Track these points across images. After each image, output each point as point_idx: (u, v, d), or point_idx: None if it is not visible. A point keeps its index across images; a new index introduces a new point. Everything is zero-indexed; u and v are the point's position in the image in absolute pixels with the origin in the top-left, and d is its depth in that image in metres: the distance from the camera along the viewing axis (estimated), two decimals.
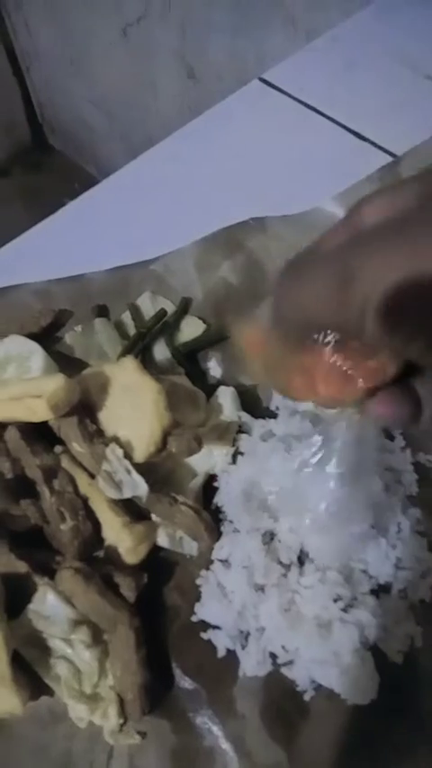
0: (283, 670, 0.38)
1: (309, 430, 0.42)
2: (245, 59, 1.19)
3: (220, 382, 0.50)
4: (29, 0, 1.62)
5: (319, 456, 0.40)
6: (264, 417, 0.45)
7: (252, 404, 0.48)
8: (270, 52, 1.13)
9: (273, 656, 0.38)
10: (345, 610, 0.38)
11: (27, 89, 1.87)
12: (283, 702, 0.38)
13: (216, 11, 1.17)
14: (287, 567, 0.39)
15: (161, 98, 1.47)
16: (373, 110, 0.68)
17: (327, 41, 0.76)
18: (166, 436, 0.41)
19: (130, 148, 1.66)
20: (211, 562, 0.41)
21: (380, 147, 0.65)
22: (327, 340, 0.29)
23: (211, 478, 0.45)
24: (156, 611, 0.41)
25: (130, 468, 0.40)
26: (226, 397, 0.47)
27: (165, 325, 0.52)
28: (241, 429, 0.46)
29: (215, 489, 0.44)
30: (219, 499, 0.43)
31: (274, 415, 0.46)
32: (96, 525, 0.41)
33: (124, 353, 0.49)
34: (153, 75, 1.43)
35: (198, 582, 0.40)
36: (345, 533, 0.38)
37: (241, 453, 0.44)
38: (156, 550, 0.42)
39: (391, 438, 0.44)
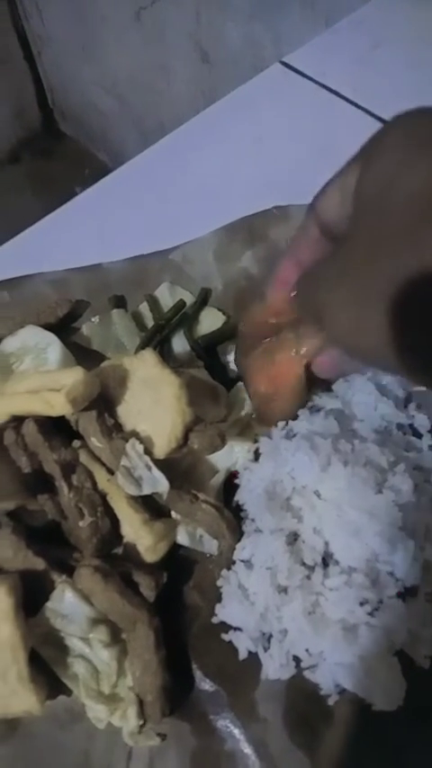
0: (306, 673, 0.37)
1: (334, 427, 0.41)
2: (261, 43, 1.17)
3: (241, 376, 0.48)
4: None
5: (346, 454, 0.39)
6: None
7: None
8: (287, 36, 1.11)
9: (296, 659, 0.37)
10: (371, 614, 0.36)
11: (38, 74, 1.85)
12: (307, 707, 0.37)
13: None
14: (311, 568, 0.38)
15: (174, 83, 1.44)
16: (398, 94, 0.65)
17: (350, 24, 0.74)
18: (187, 432, 0.40)
19: (142, 135, 1.64)
20: (233, 562, 0.39)
21: None
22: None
23: (231, 476, 0.44)
24: (175, 610, 0.40)
25: (151, 464, 0.39)
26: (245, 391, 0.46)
27: (183, 317, 0.51)
28: None
29: (236, 487, 0.43)
30: (240, 497, 0.42)
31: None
32: (115, 522, 0.40)
33: (142, 346, 0.48)
34: (166, 59, 1.41)
35: (219, 583, 0.39)
36: (373, 535, 0.37)
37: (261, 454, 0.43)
38: (175, 549, 0.41)
39: (419, 436, 0.43)
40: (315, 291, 0.29)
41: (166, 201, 0.59)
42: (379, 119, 0.64)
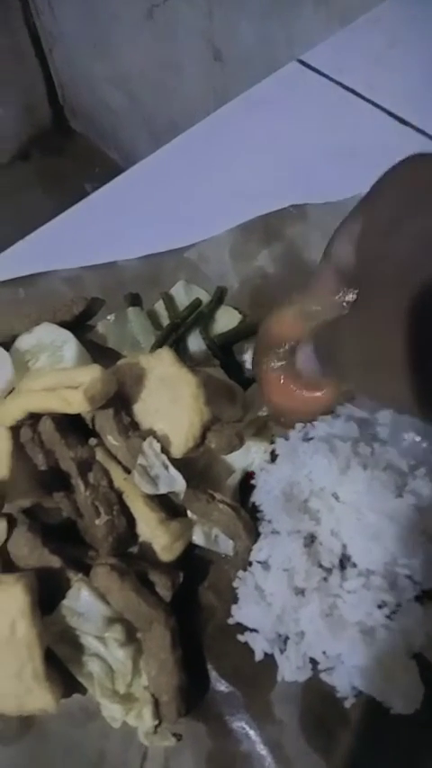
0: (323, 676, 0.37)
1: (354, 431, 0.40)
2: (275, 42, 1.16)
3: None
4: None
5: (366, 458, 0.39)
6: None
7: None
8: (301, 35, 1.10)
9: (313, 661, 0.37)
10: (389, 617, 0.36)
11: (49, 71, 1.85)
12: (323, 709, 0.37)
13: None
14: (328, 570, 0.38)
15: (186, 81, 1.44)
16: (416, 93, 0.65)
17: (367, 22, 0.73)
18: (205, 431, 0.39)
19: (153, 133, 1.63)
20: (249, 563, 0.39)
21: (423, 133, 0.62)
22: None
23: (247, 476, 0.43)
24: (190, 610, 0.40)
25: (168, 462, 0.39)
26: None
27: (199, 316, 0.50)
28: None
29: (251, 487, 0.43)
30: (256, 498, 0.42)
31: None
32: (131, 521, 0.40)
33: (158, 344, 0.48)
34: (178, 57, 1.40)
35: (235, 584, 0.39)
36: (392, 538, 0.36)
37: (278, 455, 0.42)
38: (190, 548, 0.40)
39: None
40: (334, 351, 0.30)
41: (180, 200, 0.59)
42: (397, 117, 0.64)
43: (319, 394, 0.38)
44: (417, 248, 0.24)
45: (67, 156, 1.90)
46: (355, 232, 0.29)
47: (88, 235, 0.57)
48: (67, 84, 1.87)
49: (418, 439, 0.39)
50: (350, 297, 0.32)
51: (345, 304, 0.33)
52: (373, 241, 0.27)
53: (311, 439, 0.42)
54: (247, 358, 0.49)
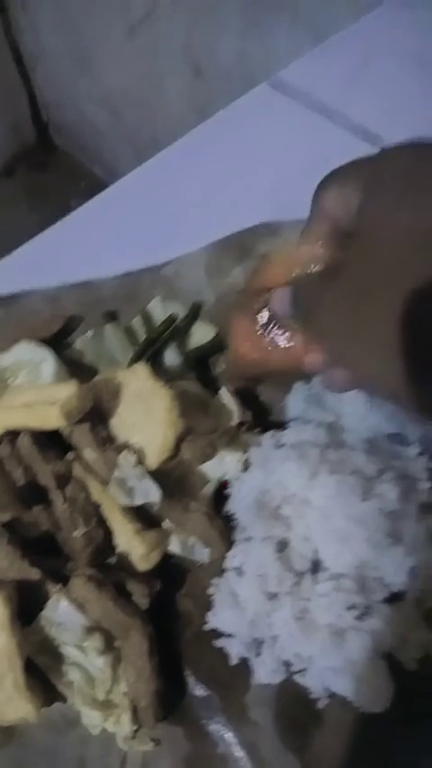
0: (297, 678, 0.38)
1: (322, 437, 0.42)
2: (253, 58, 1.19)
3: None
4: (35, 1, 1.62)
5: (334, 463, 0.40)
6: (272, 428, 0.45)
7: (254, 408, 0.48)
8: (278, 51, 1.13)
9: (286, 663, 0.38)
10: (359, 618, 0.37)
11: (32, 89, 1.87)
12: (297, 710, 0.38)
13: (223, 10, 1.16)
14: (301, 574, 0.39)
15: (168, 97, 1.46)
16: (386, 111, 0.68)
17: (337, 42, 0.76)
18: (179, 443, 0.41)
19: (136, 148, 1.66)
20: (224, 570, 0.40)
21: None
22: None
23: (222, 485, 0.45)
24: (168, 617, 0.41)
25: (143, 474, 0.40)
26: (230, 400, 0.46)
27: (175, 331, 0.52)
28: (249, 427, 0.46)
29: (227, 496, 0.44)
30: (230, 506, 0.43)
31: (281, 426, 0.46)
32: (108, 532, 0.41)
33: (135, 359, 0.49)
34: (160, 74, 1.43)
35: (210, 591, 0.40)
36: (360, 541, 0.38)
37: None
38: (167, 557, 0.42)
39: (408, 444, 0.44)
40: (313, 307, 0.30)
41: (158, 218, 0.61)
42: (367, 135, 0.66)
43: (286, 345, 0.38)
44: (424, 228, 0.24)
45: (52, 172, 1.92)
46: (347, 197, 0.29)
47: (70, 252, 0.59)
48: (51, 102, 1.89)
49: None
50: (340, 254, 0.32)
51: (333, 258, 0.32)
52: (379, 209, 0.27)
53: (283, 446, 0.43)
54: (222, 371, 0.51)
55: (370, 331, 0.25)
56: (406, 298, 0.24)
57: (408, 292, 0.24)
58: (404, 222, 0.25)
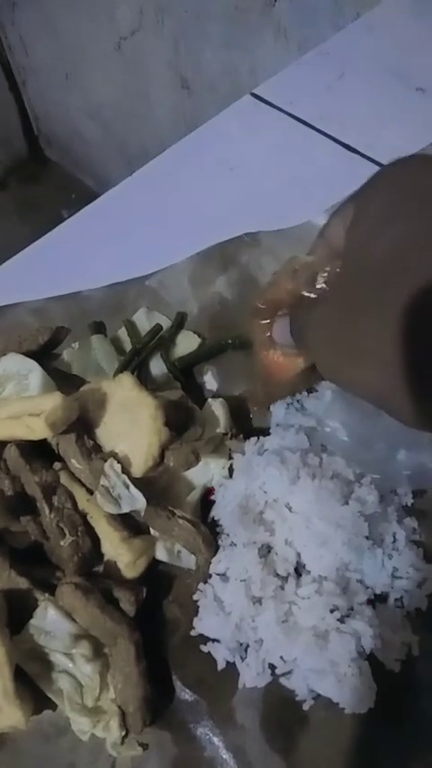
0: (282, 680, 0.39)
1: (304, 443, 0.43)
2: (238, 70, 1.21)
3: (216, 396, 0.50)
4: (24, 16, 1.64)
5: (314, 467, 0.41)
6: (256, 435, 0.46)
7: (242, 417, 0.49)
8: (262, 63, 1.15)
9: (272, 666, 0.39)
10: (341, 620, 0.38)
11: (23, 103, 1.89)
12: (283, 712, 0.38)
13: (208, 24, 1.18)
14: (284, 578, 0.40)
15: (156, 109, 1.48)
16: (364, 123, 0.69)
17: (317, 55, 0.77)
18: (163, 451, 0.41)
19: (126, 159, 1.68)
20: (209, 576, 0.41)
21: (371, 160, 0.65)
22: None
23: (207, 492, 0.45)
24: (155, 624, 0.41)
25: (129, 482, 0.41)
26: (218, 409, 0.47)
27: (160, 341, 0.53)
28: (233, 435, 0.46)
29: (212, 503, 0.45)
30: (215, 513, 0.44)
31: (265, 432, 0.46)
32: (95, 540, 0.41)
33: (121, 369, 0.50)
34: (147, 86, 1.45)
35: (195, 596, 0.41)
36: (341, 544, 0.38)
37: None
38: (154, 564, 0.42)
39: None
40: (306, 329, 0.32)
41: (144, 230, 0.62)
42: (346, 146, 0.67)
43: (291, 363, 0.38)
44: (400, 250, 0.25)
45: (43, 184, 1.93)
46: (347, 218, 0.30)
47: (58, 265, 0.60)
48: (42, 115, 1.91)
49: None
50: (334, 278, 0.33)
51: (328, 282, 0.33)
52: (361, 235, 0.28)
53: (266, 452, 0.44)
54: (207, 379, 0.52)
55: (358, 346, 0.26)
56: (390, 312, 0.24)
57: (391, 307, 0.24)
58: (386, 243, 0.26)
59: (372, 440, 0.43)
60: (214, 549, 0.42)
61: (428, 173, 0.27)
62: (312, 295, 0.34)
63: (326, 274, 0.33)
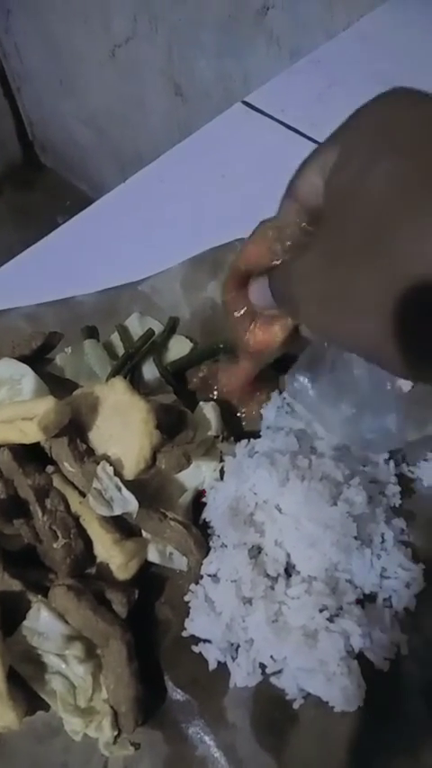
0: (273, 680, 0.39)
1: (293, 445, 0.43)
2: (231, 77, 1.22)
3: (208, 400, 0.51)
4: (19, 23, 1.65)
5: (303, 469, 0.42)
6: (247, 438, 0.47)
7: (233, 420, 0.49)
8: (255, 70, 1.16)
9: (262, 666, 0.39)
10: (330, 619, 0.39)
11: (18, 109, 1.90)
12: (273, 711, 0.39)
13: (202, 32, 1.20)
14: (274, 579, 0.40)
15: (150, 116, 1.49)
16: None
17: (308, 63, 0.78)
18: (155, 453, 0.42)
19: (121, 165, 1.69)
20: (201, 577, 0.42)
21: None
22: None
23: (199, 494, 0.46)
24: (147, 625, 0.42)
25: (121, 485, 0.42)
26: (210, 412, 0.48)
27: (153, 345, 0.53)
28: (224, 438, 0.47)
29: (203, 504, 0.45)
30: (207, 514, 0.44)
31: (256, 435, 0.47)
32: (88, 543, 0.42)
33: (113, 374, 0.51)
34: (141, 93, 1.46)
35: (187, 597, 0.41)
36: (329, 545, 0.39)
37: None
38: (146, 566, 0.43)
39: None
40: (289, 285, 0.30)
41: (137, 236, 0.63)
42: None
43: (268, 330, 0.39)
44: (400, 186, 0.23)
45: (38, 190, 1.94)
46: (326, 165, 0.28)
47: (51, 270, 0.60)
48: (36, 122, 1.92)
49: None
50: (311, 232, 0.32)
51: (305, 239, 0.32)
52: (347, 177, 0.26)
53: (256, 453, 0.44)
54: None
55: (350, 295, 0.25)
56: (394, 254, 0.23)
57: (396, 248, 0.23)
58: (376, 183, 0.24)
59: (338, 399, 0.43)
60: (205, 550, 0.42)
61: (415, 102, 0.26)
62: (290, 255, 0.32)
63: (301, 231, 0.32)
